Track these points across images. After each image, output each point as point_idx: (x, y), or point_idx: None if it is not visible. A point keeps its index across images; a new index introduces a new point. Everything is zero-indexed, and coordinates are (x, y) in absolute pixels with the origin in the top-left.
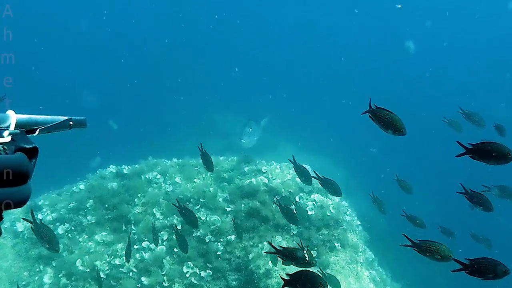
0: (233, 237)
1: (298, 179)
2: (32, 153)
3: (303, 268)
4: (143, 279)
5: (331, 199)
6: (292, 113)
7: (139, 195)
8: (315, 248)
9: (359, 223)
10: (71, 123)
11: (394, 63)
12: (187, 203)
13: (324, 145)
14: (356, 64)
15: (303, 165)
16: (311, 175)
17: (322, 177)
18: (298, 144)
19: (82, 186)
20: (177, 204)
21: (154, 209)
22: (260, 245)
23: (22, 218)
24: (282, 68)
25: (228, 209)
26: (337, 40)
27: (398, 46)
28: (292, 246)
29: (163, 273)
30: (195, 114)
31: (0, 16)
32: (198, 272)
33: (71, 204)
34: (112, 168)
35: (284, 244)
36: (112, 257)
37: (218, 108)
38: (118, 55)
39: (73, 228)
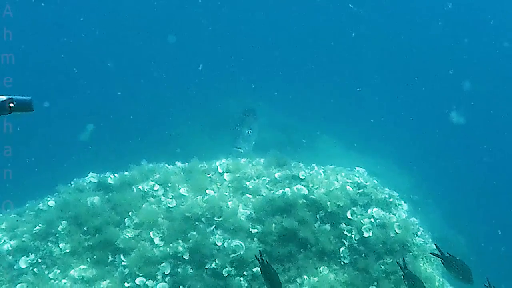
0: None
1: (349, 188)
2: None
3: None
4: None
5: (395, 215)
6: (338, 96)
7: (130, 213)
8: (375, 283)
9: (434, 247)
10: (12, 104)
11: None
12: (196, 223)
13: (385, 143)
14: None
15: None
16: (430, 252)
17: (447, 255)
18: (346, 139)
19: (51, 203)
20: (259, 258)
21: (151, 233)
22: (298, 279)
23: None
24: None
25: (254, 230)
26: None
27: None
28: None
29: None
30: (198, 101)
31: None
32: None
33: (37, 228)
34: (92, 177)
35: (332, 277)
36: None
37: (229, 91)
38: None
39: (40, 260)
